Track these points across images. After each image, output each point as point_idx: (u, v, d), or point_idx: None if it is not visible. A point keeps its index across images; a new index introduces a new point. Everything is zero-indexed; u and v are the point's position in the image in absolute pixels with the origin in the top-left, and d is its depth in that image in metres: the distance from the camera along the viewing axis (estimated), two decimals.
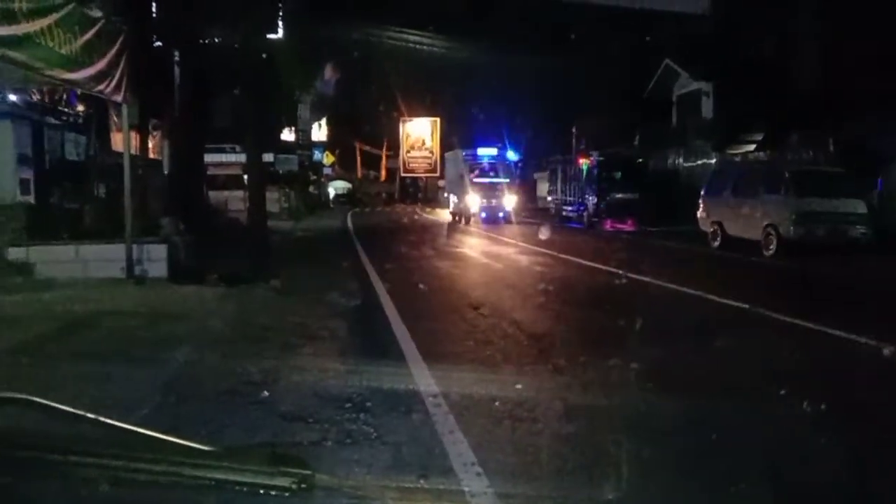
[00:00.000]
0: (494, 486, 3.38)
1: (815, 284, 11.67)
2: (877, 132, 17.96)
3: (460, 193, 28.90)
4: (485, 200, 27.47)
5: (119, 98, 10.22)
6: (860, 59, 19.22)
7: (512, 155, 31.00)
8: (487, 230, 23.93)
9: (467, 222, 27.33)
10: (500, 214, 27.19)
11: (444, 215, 34.22)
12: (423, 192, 48.29)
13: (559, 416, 4.55)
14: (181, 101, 15.53)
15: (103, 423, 1.34)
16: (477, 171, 28.62)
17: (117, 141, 16.56)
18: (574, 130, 32.98)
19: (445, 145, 45.99)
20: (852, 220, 14.85)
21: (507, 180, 28.73)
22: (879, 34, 18.28)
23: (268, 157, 26.16)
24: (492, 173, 28.90)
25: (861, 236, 14.78)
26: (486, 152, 29.98)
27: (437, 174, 47.18)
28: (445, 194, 35.82)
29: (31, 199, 14.47)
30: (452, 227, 26.56)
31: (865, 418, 4.54)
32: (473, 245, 19.55)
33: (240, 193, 23.44)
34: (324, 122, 46.84)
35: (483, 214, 27.18)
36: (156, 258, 10.25)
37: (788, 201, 14.86)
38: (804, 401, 4.54)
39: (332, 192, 51.75)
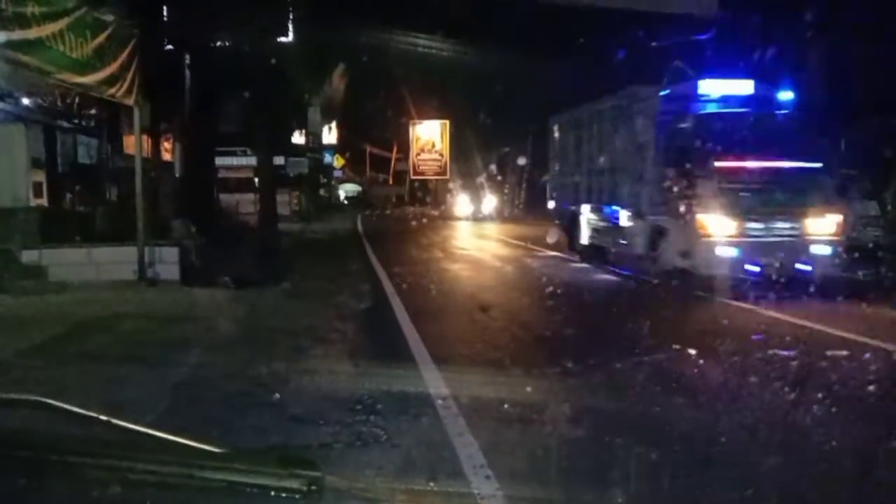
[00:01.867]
0: (504, 488, 3.37)
1: (826, 287, 11.55)
2: (889, 134, 17.80)
3: (655, 205, 11.27)
4: (764, 231, 9.81)
5: (130, 101, 10.28)
6: (870, 61, 19.09)
7: (787, 96, 11.90)
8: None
9: (688, 283, 9.90)
10: (804, 268, 9.68)
11: (463, 223, 33.94)
12: (432, 194, 48.24)
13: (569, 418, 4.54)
14: (192, 105, 15.61)
15: (115, 424, 1.35)
16: (722, 146, 10.24)
17: (129, 144, 16.69)
18: None
19: (455, 147, 45.86)
20: (865, 222, 14.72)
21: (818, 164, 10.66)
22: (890, 36, 18.15)
23: (278, 160, 26.27)
24: (771, 146, 10.58)
25: (874, 238, 14.64)
26: (734, 89, 11.92)
27: (447, 176, 47.13)
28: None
29: (43, 202, 14.57)
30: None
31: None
32: None
33: (251, 196, 23.59)
34: (334, 124, 46.96)
35: (756, 267, 9.58)
36: (168, 261, 10.31)
37: None
38: (814, 405, 4.52)
39: (342, 194, 51.99)
